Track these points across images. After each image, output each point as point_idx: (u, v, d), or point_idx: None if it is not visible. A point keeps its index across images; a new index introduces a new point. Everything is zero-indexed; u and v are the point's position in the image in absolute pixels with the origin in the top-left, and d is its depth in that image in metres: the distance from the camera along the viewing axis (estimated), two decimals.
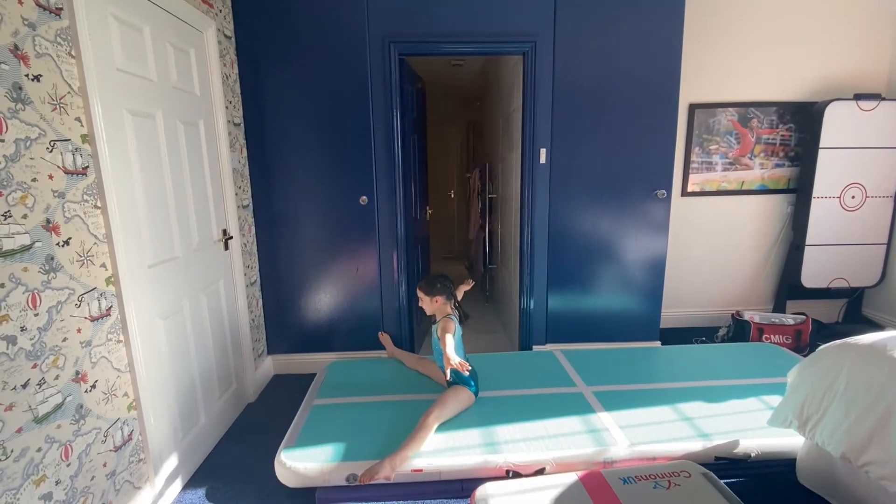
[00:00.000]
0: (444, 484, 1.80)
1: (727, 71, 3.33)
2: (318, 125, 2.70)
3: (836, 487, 1.69)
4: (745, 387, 2.31)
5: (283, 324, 2.94)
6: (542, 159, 2.83)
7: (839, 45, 3.34)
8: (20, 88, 1.23)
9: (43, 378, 1.28)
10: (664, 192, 2.87)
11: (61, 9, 1.38)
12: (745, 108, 3.38)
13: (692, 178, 3.46)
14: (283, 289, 2.89)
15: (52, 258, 1.32)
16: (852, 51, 3.35)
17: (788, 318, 3.21)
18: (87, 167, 1.46)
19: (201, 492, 1.90)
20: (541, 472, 1.79)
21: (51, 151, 1.32)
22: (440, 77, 5.00)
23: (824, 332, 3.30)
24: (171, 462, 1.86)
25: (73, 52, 1.41)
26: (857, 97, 3.17)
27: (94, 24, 1.48)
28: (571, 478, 1.65)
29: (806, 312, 3.34)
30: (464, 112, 6.33)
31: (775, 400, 2.14)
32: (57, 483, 1.32)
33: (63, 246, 1.36)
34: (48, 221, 1.31)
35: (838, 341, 1.71)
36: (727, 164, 3.46)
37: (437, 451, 1.84)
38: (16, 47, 1.22)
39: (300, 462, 1.78)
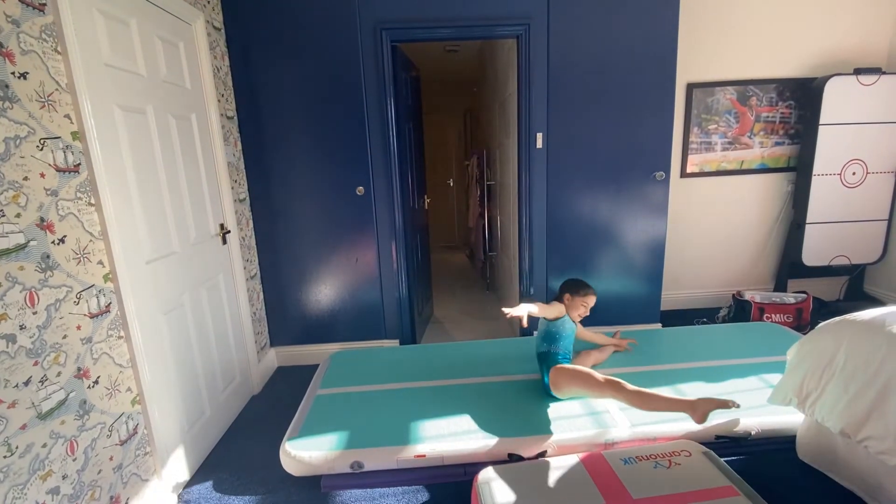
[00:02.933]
0: (446, 468, 1.82)
1: (725, 48, 3.28)
2: (312, 116, 2.68)
3: (836, 463, 1.70)
4: (746, 366, 2.32)
5: (284, 316, 2.95)
6: (539, 144, 2.80)
7: (838, 19, 3.27)
8: (7, 86, 1.22)
9: (45, 375, 1.29)
10: (662, 173, 2.85)
11: (45, 4, 1.36)
12: (744, 87, 3.34)
13: (691, 158, 3.43)
14: (284, 281, 2.90)
15: (48, 256, 1.32)
16: (852, 24, 3.29)
17: (789, 297, 3.21)
18: (79, 164, 1.46)
19: (208, 483, 1.92)
20: (542, 454, 1.80)
21: (41, 149, 1.32)
22: (435, 64, 4.95)
23: (825, 310, 3.29)
24: (178, 454, 1.89)
25: (59, 49, 1.40)
26: (858, 72, 3.13)
27: (79, 19, 1.46)
28: (573, 460, 1.66)
29: (807, 291, 3.33)
30: (461, 99, 6.26)
31: (776, 378, 2.14)
32: (64, 477, 1.34)
33: (58, 244, 1.36)
34: (42, 220, 1.31)
35: (837, 318, 1.71)
36: (726, 144, 3.43)
37: (439, 436, 1.86)
38: (0, 45, 1.21)
39: (305, 451, 1.81)
